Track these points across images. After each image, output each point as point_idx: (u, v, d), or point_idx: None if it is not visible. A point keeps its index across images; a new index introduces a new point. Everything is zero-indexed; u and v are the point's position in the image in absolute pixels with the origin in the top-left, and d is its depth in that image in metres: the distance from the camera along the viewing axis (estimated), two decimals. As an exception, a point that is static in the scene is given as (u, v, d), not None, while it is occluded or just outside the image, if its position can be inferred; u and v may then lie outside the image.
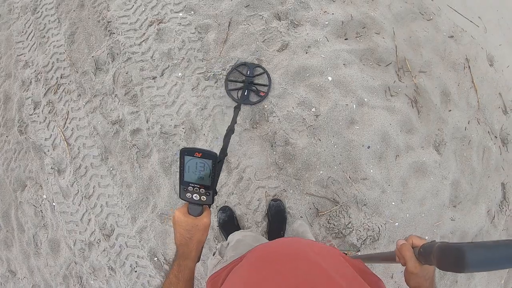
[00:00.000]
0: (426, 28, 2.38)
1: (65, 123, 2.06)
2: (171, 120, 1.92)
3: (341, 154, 1.92)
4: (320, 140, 1.91)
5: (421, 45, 2.30)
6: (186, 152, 0.59)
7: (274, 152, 1.88)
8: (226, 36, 2.04)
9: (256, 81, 1.98)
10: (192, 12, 2.12)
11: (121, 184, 1.90)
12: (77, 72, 2.14)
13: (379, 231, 1.86)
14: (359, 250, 1.87)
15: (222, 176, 1.88)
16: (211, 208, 0.68)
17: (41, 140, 2.11)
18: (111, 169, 1.93)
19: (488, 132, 2.27)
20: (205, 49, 2.03)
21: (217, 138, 1.88)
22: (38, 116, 2.16)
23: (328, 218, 1.90)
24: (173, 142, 1.90)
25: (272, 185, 1.87)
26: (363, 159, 1.93)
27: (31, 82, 2.26)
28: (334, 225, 1.90)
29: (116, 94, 2.06)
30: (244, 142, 1.89)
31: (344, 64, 2.04)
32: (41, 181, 2.07)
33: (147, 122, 1.93)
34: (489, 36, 2.71)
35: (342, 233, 1.91)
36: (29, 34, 2.41)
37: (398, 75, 2.14)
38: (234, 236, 1.12)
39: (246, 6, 2.10)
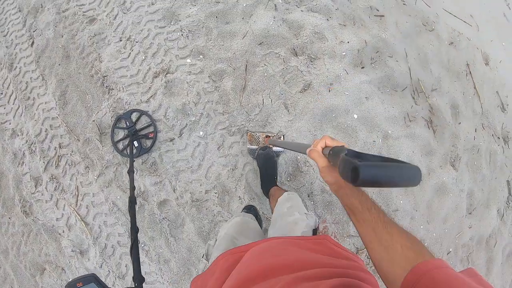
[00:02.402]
0: (431, 41, 2.38)
1: (77, 200, 1.83)
2: (201, 185, 1.78)
3: (373, 191, 1.94)
4: (354, 182, 1.91)
5: (429, 61, 2.31)
6: None
7: (312, 202, 1.85)
8: (245, 82, 1.86)
9: (139, 127, 1.86)
10: (201, 57, 1.89)
11: (157, 260, 1.78)
12: (78, 140, 1.86)
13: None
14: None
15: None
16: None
17: (52, 221, 1.87)
18: (142, 245, 1.79)
19: (492, 135, 2.40)
20: (224, 100, 1.84)
21: (254, 198, 1.80)
22: (42, 195, 1.88)
23: (367, 254, 1.97)
24: (206, 209, 1.78)
25: (312, 234, 1.87)
26: (393, 192, 1.98)
27: (24, 154, 1.94)
28: (372, 258, 1.98)
29: (131, 162, 1.84)
30: (281, 197, 1.83)
31: (366, 97, 1.99)
32: (63, 264, 1.87)
33: (174, 191, 1.77)
34: (481, 34, 2.78)
35: (379, 263, 2.00)
36: (10, 96, 2.03)
37: (413, 98, 2.15)
38: (220, 232, 1.07)
39: (260, 44, 1.91)
